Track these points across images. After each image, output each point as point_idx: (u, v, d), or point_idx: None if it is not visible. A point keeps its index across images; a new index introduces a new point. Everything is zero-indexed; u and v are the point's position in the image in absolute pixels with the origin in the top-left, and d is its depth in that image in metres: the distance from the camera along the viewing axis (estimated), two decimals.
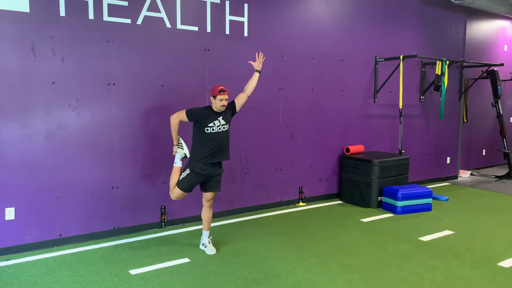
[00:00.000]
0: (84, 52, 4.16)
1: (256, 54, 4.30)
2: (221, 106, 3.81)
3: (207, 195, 4.01)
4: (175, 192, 4.01)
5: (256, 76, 4.18)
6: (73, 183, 4.19)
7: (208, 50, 4.90)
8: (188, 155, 4.02)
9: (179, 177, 3.97)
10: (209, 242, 4.08)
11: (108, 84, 4.32)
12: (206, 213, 4.07)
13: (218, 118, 3.86)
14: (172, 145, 4.12)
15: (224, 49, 5.02)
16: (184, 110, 3.87)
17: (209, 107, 3.89)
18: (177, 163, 4.08)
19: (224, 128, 3.89)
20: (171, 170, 4.72)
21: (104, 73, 4.28)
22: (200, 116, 3.82)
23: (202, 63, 4.88)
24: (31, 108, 3.95)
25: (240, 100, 4.06)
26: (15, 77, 3.86)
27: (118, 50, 4.34)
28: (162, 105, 4.64)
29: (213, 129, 3.83)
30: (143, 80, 4.52)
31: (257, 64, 4.21)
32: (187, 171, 3.90)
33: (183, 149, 4.06)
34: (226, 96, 3.81)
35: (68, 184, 4.17)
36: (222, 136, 3.89)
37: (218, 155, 3.89)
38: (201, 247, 4.09)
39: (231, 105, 4.00)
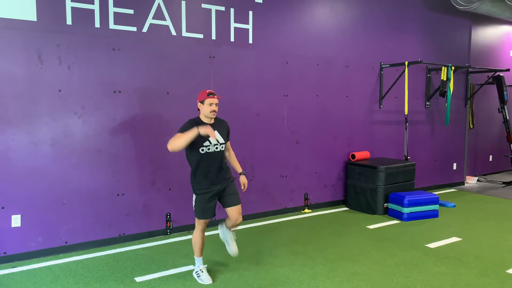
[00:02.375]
0: (90, 60, 4.19)
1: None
2: (211, 111, 3.32)
3: (233, 210, 3.48)
4: (198, 226, 3.50)
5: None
6: (78, 190, 4.21)
7: (213, 57, 4.92)
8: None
9: (193, 208, 3.50)
10: (232, 238, 3.68)
11: (114, 92, 4.34)
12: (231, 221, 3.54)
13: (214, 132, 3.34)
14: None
15: (229, 56, 5.04)
16: (176, 134, 3.30)
17: (196, 120, 3.39)
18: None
19: (222, 147, 3.42)
20: (175, 177, 4.74)
21: (110, 80, 4.31)
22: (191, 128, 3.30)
23: (207, 70, 4.89)
24: (38, 115, 3.98)
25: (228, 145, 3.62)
26: (22, 85, 3.89)
27: (124, 58, 4.37)
28: (168, 113, 4.66)
29: (209, 149, 3.34)
30: (148, 88, 4.54)
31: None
32: (194, 197, 3.46)
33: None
34: (216, 100, 3.34)
35: (74, 191, 4.18)
36: (218, 156, 3.41)
37: (216, 177, 3.41)
38: (221, 237, 3.70)
39: (227, 128, 3.55)
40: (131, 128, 4.46)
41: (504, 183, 7.92)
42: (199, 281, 3.52)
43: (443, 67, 6.48)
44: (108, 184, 4.36)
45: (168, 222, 4.72)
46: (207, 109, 3.34)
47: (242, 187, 3.62)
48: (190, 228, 4.89)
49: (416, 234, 4.84)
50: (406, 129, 6.24)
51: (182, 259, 4.02)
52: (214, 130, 3.34)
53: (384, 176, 5.65)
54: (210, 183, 3.40)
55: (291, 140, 5.64)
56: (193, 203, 3.48)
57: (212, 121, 3.44)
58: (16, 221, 3.93)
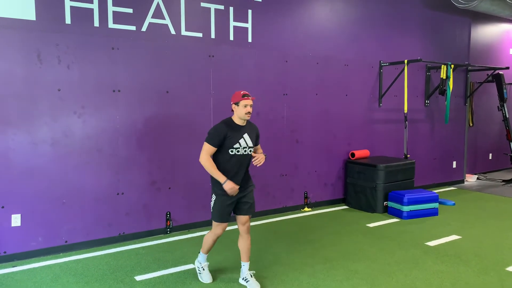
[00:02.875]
0: (89, 59, 4.19)
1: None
2: (245, 113, 3.24)
3: (241, 218, 3.39)
4: (215, 229, 3.37)
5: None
6: (78, 190, 4.21)
7: (213, 56, 4.92)
8: None
9: (211, 209, 3.40)
10: (251, 276, 3.43)
11: (113, 91, 4.34)
12: (243, 241, 3.43)
13: (244, 136, 3.29)
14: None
15: (228, 55, 5.04)
16: (205, 143, 3.25)
17: (229, 121, 3.31)
18: None
19: (250, 151, 3.34)
20: (175, 176, 4.75)
21: (109, 80, 4.31)
22: (222, 134, 3.22)
23: (207, 69, 4.89)
24: (37, 115, 3.98)
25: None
26: (21, 85, 3.89)
27: (123, 57, 4.37)
28: (167, 111, 4.66)
29: (238, 151, 3.27)
30: (148, 87, 4.54)
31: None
32: (214, 198, 3.35)
33: None
34: (250, 102, 3.26)
35: (74, 191, 4.19)
36: (245, 160, 3.34)
37: (244, 179, 3.36)
38: (241, 281, 3.48)
39: (258, 133, 3.46)
40: (130, 127, 4.46)
41: (504, 181, 7.92)
42: (199, 278, 3.52)
43: (442, 65, 6.47)
44: (108, 184, 4.36)
45: (168, 221, 4.73)
46: (242, 111, 3.25)
47: (256, 160, 3.40)
48: (189, 227, 4.89)
49: (416, 232, 4.85)
50: (405, 128, 6.24)
51: (182, 258, 4.02)
52: (245, 133, 3.30)
53: (383, 175, 5.66)
54: (236, 182, 3.29)
55: (291, 139, 5.64)
56: (212, 204, 3.37)
57: (245, 123, 3.34)
58: (16, 220, 3.94)
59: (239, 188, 3.32)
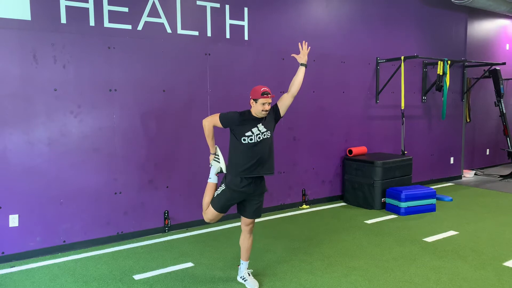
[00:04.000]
0: (85, 58, 4.18)
1: (299, 44, 3.47)
2: (262, 111, 3.17)
3: (245, 220, 3.38)
4: (209, 213, 3.36)
5: (301, 71, 3.41)
6: (76, 189, 4.21)
7: (209, 54, 4.91)
8: (224, 170, 3.36)
9: (214, 194, 3.38)
10: (249, 275, 3.45)
11: (110, 90, 4.34)
12: (244, 240, 3.43)
13: (257, 125, 3.21)
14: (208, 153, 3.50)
15: (225, 53, 5.03)
16: (218, 114, 3.24)
17: (247, 112, 3.25)
18: (212, 179, 3.41)
19: (265, 136, 3.23)
20: (173, 175, 4.75)
21: (105, 79, 4.30)
22: (235, 122, 3.20)
23: (203, 67, 4.89)
24: (34, 115, 3.97)
25: (283, 102, 3.37)
26: (17, 85, 3.88)
27: (119, 56, 4.36)
28: (164, 110, 4.65)
29: (251, 139, 3.18)
30: (144, 86, 4.53)
31: (302, 57, 3.41)
32: (222, 187, 3.30)
33: (219, 162, 3.39)
34: (269, 100, 3.17)
35: (71, 190, 4.18)
36: (263, 146, 3.22)
37: (257, 169, 3.23)
38: (239, 279, 3.49)
39: (274, 109, 3.35)
40: (127, 126, 4.45)
41: (501, 176, 7.95)
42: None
43: (439, 61, 6.48)
44: (105, 183, 4.36)
45: (166, 220, 4.73)
46: (259, 108, 3.18)
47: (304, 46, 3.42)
48: (188, 225, 4.90)
49: (414, 228, 4.86)
50: (402, 124, 6.25)
51: (181, 257, 4.02)
52: (259, 123, 3.22)
53: (381, 171, 5.67)
54: (246, 174, 3.21)
55: (288, 137, 5.65)
56: (219, 192, 3.32)
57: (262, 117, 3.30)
58: (13, 220, 3.93)
59: (253, 186, 3.27)
